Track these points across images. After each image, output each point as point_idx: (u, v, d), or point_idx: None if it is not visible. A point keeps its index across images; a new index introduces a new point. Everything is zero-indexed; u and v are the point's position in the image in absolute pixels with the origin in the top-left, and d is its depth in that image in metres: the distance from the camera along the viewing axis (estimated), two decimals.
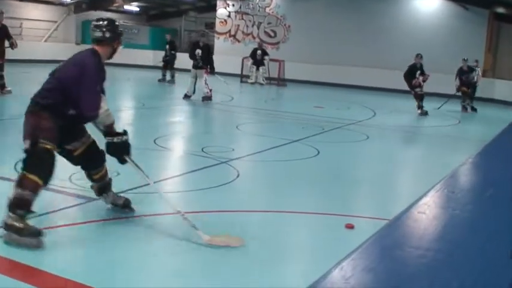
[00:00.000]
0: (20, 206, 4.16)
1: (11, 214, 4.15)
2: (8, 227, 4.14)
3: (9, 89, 13.27)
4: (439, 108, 15.70)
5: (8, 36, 13.36)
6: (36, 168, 4.25)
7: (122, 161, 4.86)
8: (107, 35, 4.74)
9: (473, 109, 17.40)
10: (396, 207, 6.00)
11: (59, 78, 4.55)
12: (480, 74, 19.71)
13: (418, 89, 15.62)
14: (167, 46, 20.87)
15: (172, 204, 4.82)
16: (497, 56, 23.69)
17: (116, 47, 4.85)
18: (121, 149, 4.80)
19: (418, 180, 7.62)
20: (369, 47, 24.71)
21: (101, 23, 4.82)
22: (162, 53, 21.33)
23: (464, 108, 17.40)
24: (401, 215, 3.06)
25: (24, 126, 4.44)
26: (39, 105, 4.46)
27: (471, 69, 17.70)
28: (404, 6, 24.76)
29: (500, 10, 22.02)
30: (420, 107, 15.50)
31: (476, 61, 19.88)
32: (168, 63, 20.60)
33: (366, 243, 2.47)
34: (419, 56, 15.87)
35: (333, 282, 1.98)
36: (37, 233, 4.12)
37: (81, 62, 4.60)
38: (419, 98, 15.57)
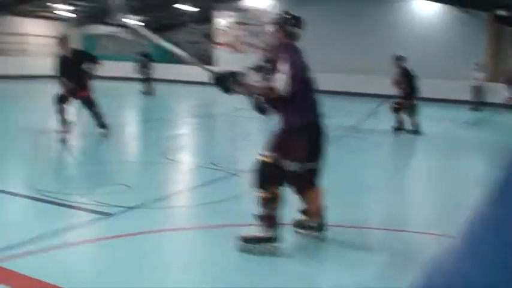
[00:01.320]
0: None
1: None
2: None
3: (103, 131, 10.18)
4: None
5: (90, 60, 10.03)
6: None
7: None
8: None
9: None
10: (407, 217, 5.99)
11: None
12: (483, 78, 19.71)
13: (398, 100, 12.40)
14: (144, 58, 20.20)
15: None
16: (498, 59, 23.67)
17: None
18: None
19: (429, 189, 7.60)
20: (368, 53, 24.74)
21: (300, 19, 4.95)
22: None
23: None
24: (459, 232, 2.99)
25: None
26: None
27: None
28: (403, 12, 24.82)
29: (501, 12, 21.99)
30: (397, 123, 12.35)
31: (477, 64, 19.89)
32: (149, 75, 20.16)
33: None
34: (399, 59, 12.59)
35: None
36: None
37: None
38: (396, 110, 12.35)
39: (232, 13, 29.14)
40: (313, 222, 4.74)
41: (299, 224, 4.81)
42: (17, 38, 28.87)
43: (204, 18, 31.17)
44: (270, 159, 4.35)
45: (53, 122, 9.93)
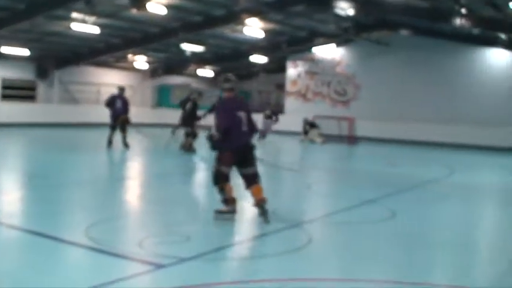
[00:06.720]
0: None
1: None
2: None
3: None
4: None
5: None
6: None
7: None
8: None
9: None
10: (480, 274, 5.60)
11: None
12: None
13: None
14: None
15: None
16: None
17: None
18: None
19: (502, 244, 7.11)
20: (440, 102, 24.39)
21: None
22: None
23: None
24: None
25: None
26: None
27: None
28: (475, 62, 24.27)
29: None
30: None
31: None
32: None
33: None
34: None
35: None
36: None
37: None
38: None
39: (303, 63, 29.32)
40: (259, 210, 7.20)
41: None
42: (92, 87, 30.02)
43: (276, 68, 31.52)
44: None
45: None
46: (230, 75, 7.43)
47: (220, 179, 7.18)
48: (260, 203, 7.16)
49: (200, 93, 17.11)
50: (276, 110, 24.13)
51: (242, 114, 7.28)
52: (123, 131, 16.50)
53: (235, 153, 7.16)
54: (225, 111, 7.27)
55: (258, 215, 7.18)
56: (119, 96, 16.67)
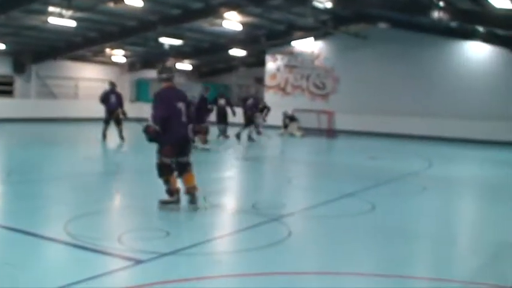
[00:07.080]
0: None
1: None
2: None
3: None
4: None
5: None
6: None
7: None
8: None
9: None
10: (459, 267, 5.64)
11: None
12: None
13: None
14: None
15: None
16: None
17: None
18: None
19: (481, 236, 7.18)
20: (419, 95, 24.51)
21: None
22: None
23: None
24: None
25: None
26: None
27: None
28: (453, 55, 24.42)
29: None
30: None
31: None
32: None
33: None
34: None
35: None
36: None
37: None
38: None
39: (282, 57, 29.30)
40: (190, 197, 7.42)
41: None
42: (70, 82, 29.68)
43: (255, 62, 31.46)
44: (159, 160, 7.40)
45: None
46: (168, 64, 7.70)
47: (164, 171, 7.40)
48: (191, 191, 7.42)
49: (207, 88, 17.59)
50: (266, 104, 23.75)
51: (181, 105, 7.45)
52: (119, 124, 17.05)
53: (175, 146, 7.37)
54: (164, 102, 7.36)
55: (188, 202, 7.40)
56: (112, 92, 17.25)
